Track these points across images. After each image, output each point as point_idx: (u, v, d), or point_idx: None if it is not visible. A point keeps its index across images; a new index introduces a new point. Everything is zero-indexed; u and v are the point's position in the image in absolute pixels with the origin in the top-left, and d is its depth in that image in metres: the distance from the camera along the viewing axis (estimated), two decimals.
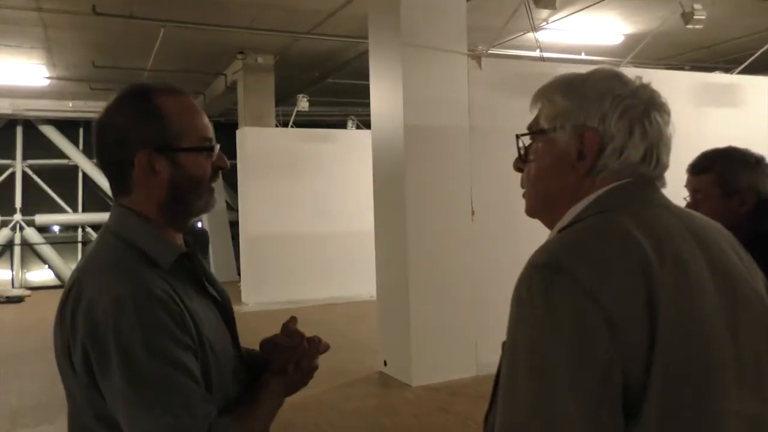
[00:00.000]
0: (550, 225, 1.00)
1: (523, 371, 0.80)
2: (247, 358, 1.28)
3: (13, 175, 13.22)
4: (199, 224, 12.98)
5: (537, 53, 7.10)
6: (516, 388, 0.81)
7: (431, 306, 4.98)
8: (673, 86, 6.20)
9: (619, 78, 0.97)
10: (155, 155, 1.11)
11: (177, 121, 1.12)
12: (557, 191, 0.97)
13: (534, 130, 1.00)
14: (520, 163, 1.03)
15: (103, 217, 12.92)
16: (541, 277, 0.83)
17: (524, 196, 1.03)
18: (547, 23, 7.61)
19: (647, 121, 0.92)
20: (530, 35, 7.60)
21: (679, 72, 7.19)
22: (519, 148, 1.03)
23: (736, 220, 1.76)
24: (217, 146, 1.18)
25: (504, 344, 0.87)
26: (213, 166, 1.17)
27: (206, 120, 1.18)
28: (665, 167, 0.96)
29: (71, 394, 1.09)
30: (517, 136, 1.03)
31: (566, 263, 0.82)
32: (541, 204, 1.00)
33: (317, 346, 1.28)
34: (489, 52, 5.73)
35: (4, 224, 13.04)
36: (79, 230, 13.96)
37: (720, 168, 1.83)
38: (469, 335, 5.06)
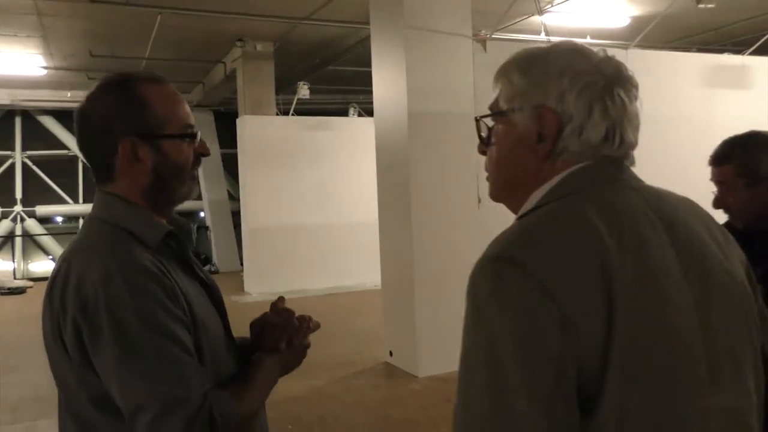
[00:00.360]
0: (515, 210, 0.96)
1: (476, 368, 0.78)
2: (239, 345, 1.28)
3: (12, 166, 13.14)
4: (202, 214, 12.97)
5: (542, 37, 6.97)
6: (471, 386, 0.78)
7: (437, 295, 4.89)
8: (682, 68, 6.08)
9: (581, 52, 0.91)
10: (138, 143, 1.12)
11: (159, 108, 1.14)
12: (518, 175, 0.93)
13: (493, 111, 0.96)
14: (483, 146, 0.99)
15: None
16: (492, 271, 0.80)
17: (487, 179, 1.00)
18: (552, 6, 7.46)
19: (609, 98, 0.87)
20: (534, 19, 7.47)
21: (688, 54, 7.04)
22: (479, 131, 0.99)
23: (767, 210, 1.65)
24: (199, 133, 1.20)
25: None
26: (195, 153, 1.19)
27: (188, 108, 1.20)
28: (631, 146, 0.91)
29: (63, 380, 1.10)
30: (477, 119, 0.99)
31: (519, 255, 0.79)
32: (502, 189, 0.97)
33: (308, 324, 1.31)
34: (492, 36, 5.60)
35: (5, 215, 12.98)
36: (80, 221, 13.88)
37: (740, 156, 1.69)
38: None
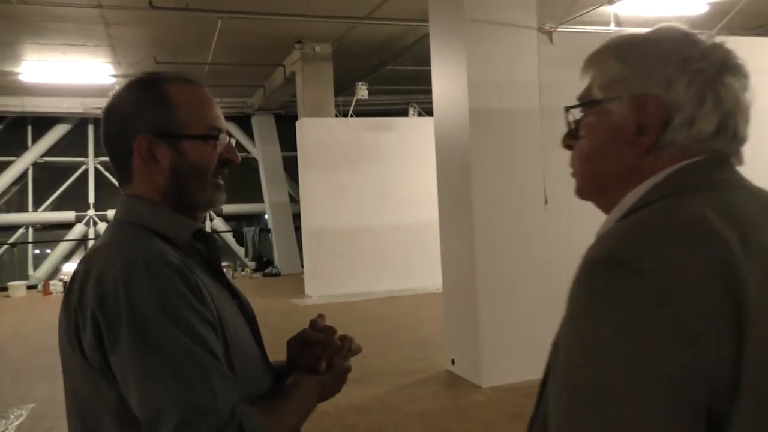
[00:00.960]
0: (605, 209, 0.88)
1: (581, 384, 0.69)
2: (273, 366, 1.17)
3: (86, 172, 13.66)
4: (266, 216, 13.11)
5: (612, 28, 6.58)
6: (573, 405, 0.69)
7: (501, 301, 4.65)
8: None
9: (687, 37, 0.83)
10: (156, 141, 1.06)
11: (184, 109, 1.08)
12: (611, 170, 0.85)
13: (585, 101, 0.88)
14: (570, 140, 0.91)
15: None
16: (600, 277, 0.71)
17: (573, 175, 0.92)
18: None
19: (721, 86, 0.79)
20: (604, 9, 7.08)
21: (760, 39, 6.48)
22: (568, 123, 0.91)
23: None
24: (227, 137, 1.13)
25: (554, 346, 0.78)
26: (221, 157, 1.11)
27: (218, 111, 1.13)
28: (743, 140, 0.83)
29: (79, 393, 1.00)
30: (566, 109, 0.91)
31: (631, 259, 0.69)
32: (591, 185, 0.89)
33: (350, 344, 1.20)
34: (558, 29, 5.30)
35: (79, 219, 13.50)
36: None
37: None
38: (543, 332, 4.65)
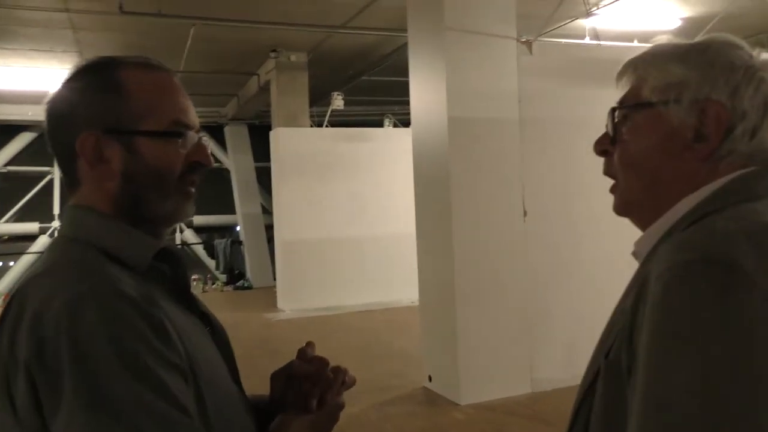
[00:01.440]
0: (642, 223, 0.83)
1: (696, 408, 0.60)
2: (252, 403, 1.01)
3: (51, 182, 13.26)
4: (238, 228, 12.85)
5: (588, 41, 6.59)
6: None
7: (480, 316, 4.54)
8: None
9: (742, 47, 0.81)
10: (104, 138, 0.88)
11: (141, 98, 0.89)
12: (665, 178, 0.80)
13: (634, 102, 0.83)
14: (608, 145, 0.86)
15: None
16: (711, 277, 0.63)
17: (613, 189, 0.86)
18: (598, 8, 7.09)
19: None
20: (579, 22, 7.10)
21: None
22: (609, 125, 0.85)
23: None
24: (196, 135, 0.94)
25: (610, 362, 0.73)
26: (188, 160, 0.92)
27: (186, 104, 0.94)
28: None
29: None
30: (613, 110, 0.85)
31: (741, 260, 0.63)
32: (642, 194, 0.83)
33: (343, 377, 1.03)
34: (538, 40, 5.26)
35: (43, 231, 13.09)
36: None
37: None
38: (523, 349, 4.60)
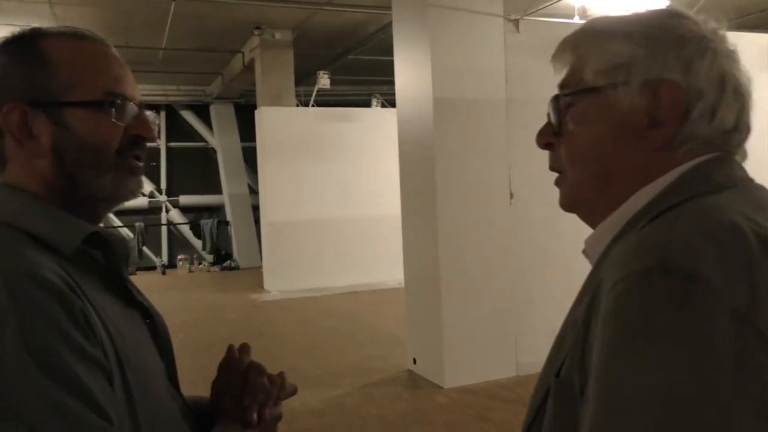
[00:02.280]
0: (592, 219, 0.75)
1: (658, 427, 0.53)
2: (192, 405, 0.95)
3: None
4: (228, 215, 12.73)
5: (577, 21, 6.50)
6: None
7: (465, 299, 4.50)
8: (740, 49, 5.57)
9: (688, 18, 0.71)
10: (30, 112, 0.81)
11: (69, 68, 0.83)
12: (617, 171, 0.71)
13: (577, 88, 0.73)
14: (551, 137, 0.76)
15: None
16: (668, 288, 0.56)
17: (558, 182, 0.77)
18: None
19: (737, 70, 0.69)
20: (567, 1, 6.99)
21: (744, 33, 6.46)
22: (552, 114, 0.75)
23: None
24: (135, 107, 0.86)
25: (560, 382, 0.66)
26: (127, 133, 0.86)
27: (122, 72, 0.86)
28: (748, 135, 0.72)
29: None
30: (555, 98, 0.75)
31: (703, 269, 0.56)
32: (592, 190, 0.74)
33: (283, 388, 0.97)
34: (525, 18, 5.16)
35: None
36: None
37: None
38: (507, 332, 4.57)
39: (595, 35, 0.73)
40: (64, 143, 0.82)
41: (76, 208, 0.84)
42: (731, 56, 0.70)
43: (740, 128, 0.70)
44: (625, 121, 0.70)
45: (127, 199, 0.89)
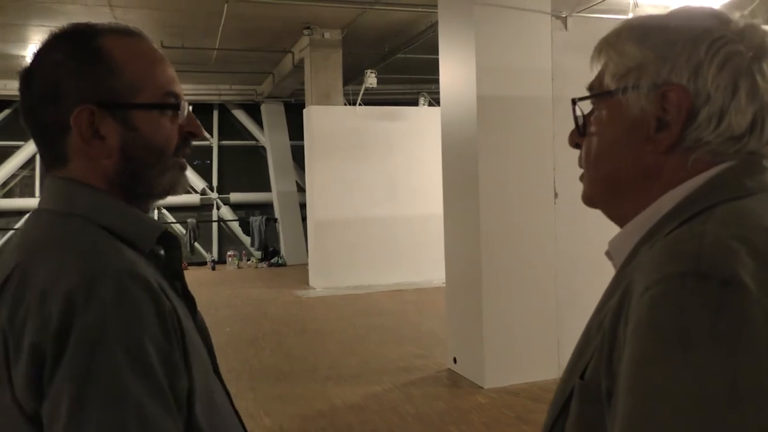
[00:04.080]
0: (616, 219, 0.77)
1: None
2: None
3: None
4: (276, 213, 12.96)
5: (629, 17, 6.34)
6: None
7: (507, 299, 4.45)
8: None
9: (717, 16, 0.70)
10: (99, 113, 0.83)
11: (130, 69, 0.85)
12: (626, 174, 0.73)
13: (595, 92, 0.76)
14: (578, 137, 0.79)
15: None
16: (703, 293, 0.55)
17: (581, 179, 0.80)
18: None
19: (758, 73, 0.66)
20: None
21: None
22: (576, 118, 0.78)
23: None
24: (187, 105, 0.90)
25: (586, 384, 0.66)
26: (181, 132, 0.90)
27: (172, 71, 0.90)
28: None
29: None
30: (574, 102, 0.78)
31: (740, 274, 0.55)
32: (600, 190, 0.77)
33: None
34: (573, 15, 5.06)
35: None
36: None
37: None
38: (550, 332, 4.50)
39: (618, 38, 0.74)
40: (132, 144, 0.84)
41: (132, 201, 0.87)
42: (759, 56, 0.67)
43: (760, 132, 0.68)
44: (636, 125, 0.71)
45: (178, 194, 0.93)
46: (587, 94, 0.77)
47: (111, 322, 0.70)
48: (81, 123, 0.82)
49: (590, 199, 0.79)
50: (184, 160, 0.91)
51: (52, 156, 0.86)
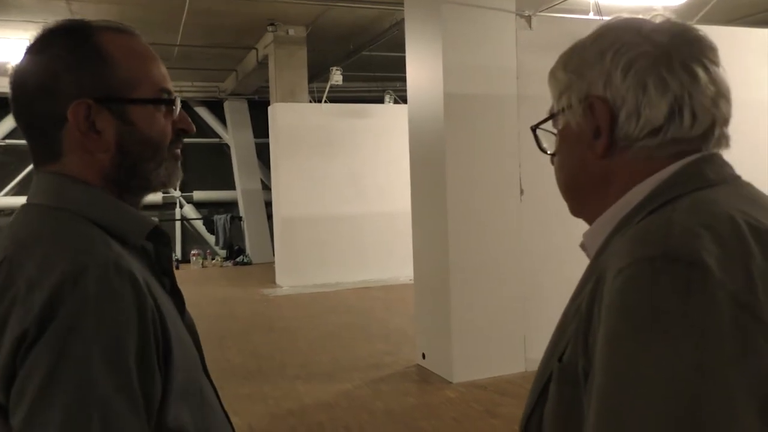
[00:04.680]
0: (589, 221, 0.82)
1: (666, 416, 0.55)
2: None
3: None
4: (241, 211, 12.82)
5: (592, 17, 6.46)
6: None
7: (474, 295, 4.51)
8: (752, 45, 5.52)
9: (628, 24, 0.77)
10: (96, 107, 0.84)
11: (127, 65, 0.87)
12: (580, 180, 0.81)
13: (544, 118, 0.86)
14: (552, 157, 0.87)
15: None
16: (672, 275, 0.59)
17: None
18: None
19: (665, 69, 0.72)
20: None
21: (758, 30, 6.39)
22: (537, 140, 0.88)
23: None
24: (179, 101, 0.93)
25: (564, 366, 0.69)
26: (174, 128, 0.92)
27: (165, 69, 0.93)
28: (715, 121, 0.74)
29: None
30: (533, 129, 0.88)
31: (705, 257, 0.60)
32: (569, 200, 0.85)
33: None
34: (537, 14, 5.14)
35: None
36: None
37: None
38: (516, 327, 4.58)
39: (555, 66, 0.83)
40: (128, 139, 0.86)
41: (126, 195, 0.88)
42: (668, 53, 0.73)
43: (680, 119, 0.72)
44: (578, 138, 0.79)
45: (173, 186, 0.95)
46: (548, 106, 0.85)
47: (91, 313, 0.71)
48: (78, 116, 0.83)
49: (569, 209, 0.87)
50: (178, 151, 0.93)
51: (45, 150, 0.86)
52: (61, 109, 0.83)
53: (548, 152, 0.86)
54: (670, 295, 0.58)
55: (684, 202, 0.68)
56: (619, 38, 0.76)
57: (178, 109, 0.91)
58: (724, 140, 0.76)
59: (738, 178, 0.75)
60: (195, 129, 0.96)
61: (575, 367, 0.67)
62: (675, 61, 0.73)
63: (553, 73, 0.84)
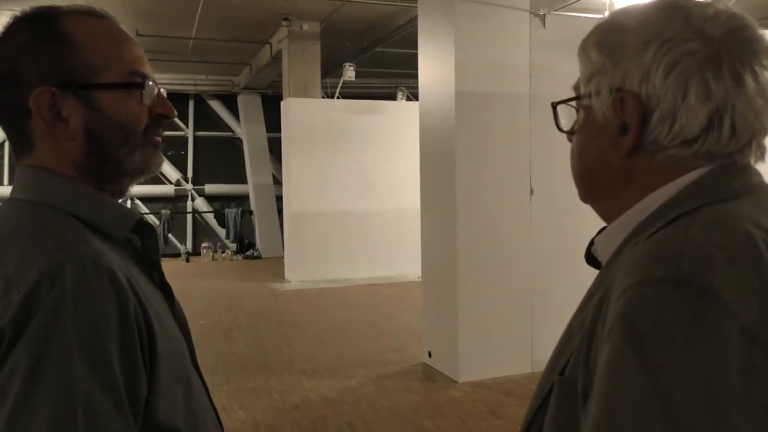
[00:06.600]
0: (602, 217, 0.78)
1: None
2: None
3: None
4: (252, 205, 12.87)
5: (605, 15, 6.41)
6: None
7: (482, 294, 4.49)
8: None
9: (681, 10, 0.68)
10: (60, 94, 0.81)
11: (94, 49, 0.83)
12: (598, 173, 0.75)
13: (569, 97, 0.78)
14: (569, 136, 0.80)
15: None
16: (680, 301, 0.55)
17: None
18: None
19: (711, 72, 0.65)
20: None
21: None
22: (556, 118, 0.80)
23: None
24: (155, 86, 0.87)
25: (564, 380, 0.67)
26: (151, 112, 0.87)
27: (139, 51, 0.88)
28: (751, 136, 0.67)
29: None
30: (553, 105, 0.80)
31: (717, 284, 0.55)
32: (580, 188, 0.79)
33: None
34: (552, 13, 5.10)
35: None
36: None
37: None
38: (523, 328, 4.55)
39: (586, 42, 0.75)
40: (96, 125, 0.83)
41: (104, 185, 0.86)
42: (718, 54, 0.66)
43: (718, 131, 0.66)
44: (601, 129, 0.73)
45: (153, 173, 0.91)
46: (565, 91, 0.78)
47: (69, 312, 0.69)
48: (41, 105, 0.80)
49: (580, 195, 0.81)
50: (158, 138, 0.89)
51: (18, 142, 0.84)
52: (26, 99, 0.80)
53: (564, 130, 0.80)
54: (677, 323, 0.55)
55: (703, 216, 0.63)
56: (667, 28, 0.67)
57: (155, 93, 0.87)
58: (759, 152, 0.70)
59: (766, 186, 0.69)
60: (176, 113, 0.92)
61: (575, 383, 0.65)
62: (724, 66, 0.66)
63: (584, 49, 0.75)
